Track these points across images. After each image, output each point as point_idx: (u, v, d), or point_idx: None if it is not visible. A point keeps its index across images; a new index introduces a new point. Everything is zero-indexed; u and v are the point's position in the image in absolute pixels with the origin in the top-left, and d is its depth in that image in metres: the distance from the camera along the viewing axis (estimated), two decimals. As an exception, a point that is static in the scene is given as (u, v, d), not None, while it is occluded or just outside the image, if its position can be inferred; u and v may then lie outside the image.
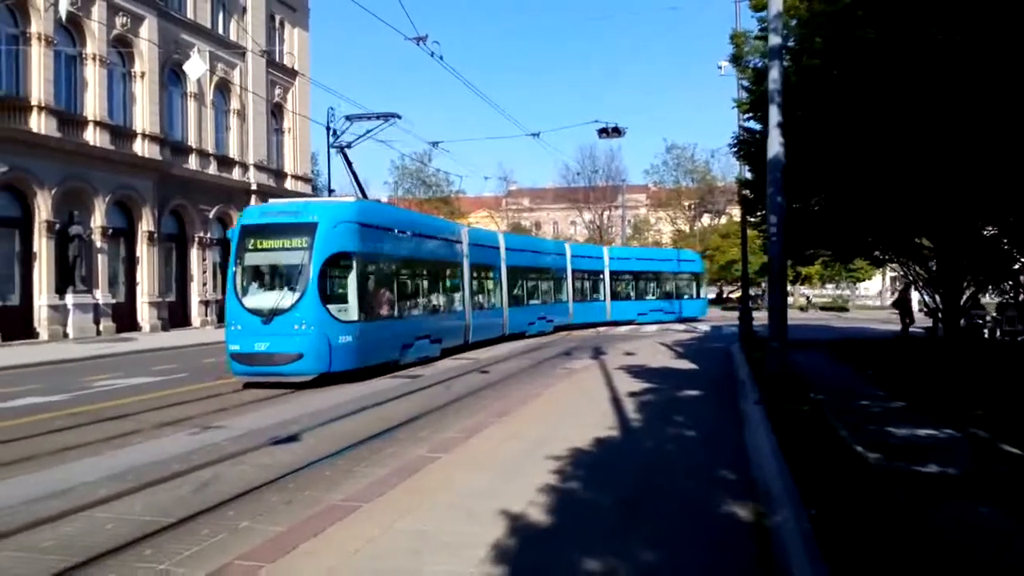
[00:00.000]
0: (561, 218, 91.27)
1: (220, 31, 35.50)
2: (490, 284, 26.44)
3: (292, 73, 40.99)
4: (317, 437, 10.21)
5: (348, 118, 20.65)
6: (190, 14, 33.52)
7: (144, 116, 30.43)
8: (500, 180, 76.13)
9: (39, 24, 25.65)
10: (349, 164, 20.36)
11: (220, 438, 10.18)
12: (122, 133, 29.54)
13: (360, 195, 20.35)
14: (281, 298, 14.96)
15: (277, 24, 40.27)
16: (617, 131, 28.48)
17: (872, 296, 75.72)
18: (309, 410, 12.40)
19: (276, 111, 40.23)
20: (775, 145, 11.31)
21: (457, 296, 22.99)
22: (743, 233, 25.65)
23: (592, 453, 8.40)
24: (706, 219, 74.66)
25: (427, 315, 20.21)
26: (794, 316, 36.05)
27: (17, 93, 25.44)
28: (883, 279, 71.15)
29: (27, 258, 25.81)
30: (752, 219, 24.40)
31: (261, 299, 15.19)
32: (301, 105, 41.00)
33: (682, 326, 37.18)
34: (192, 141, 33.82)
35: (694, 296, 43.46)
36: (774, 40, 11.68)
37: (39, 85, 25.72)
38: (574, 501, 6.60)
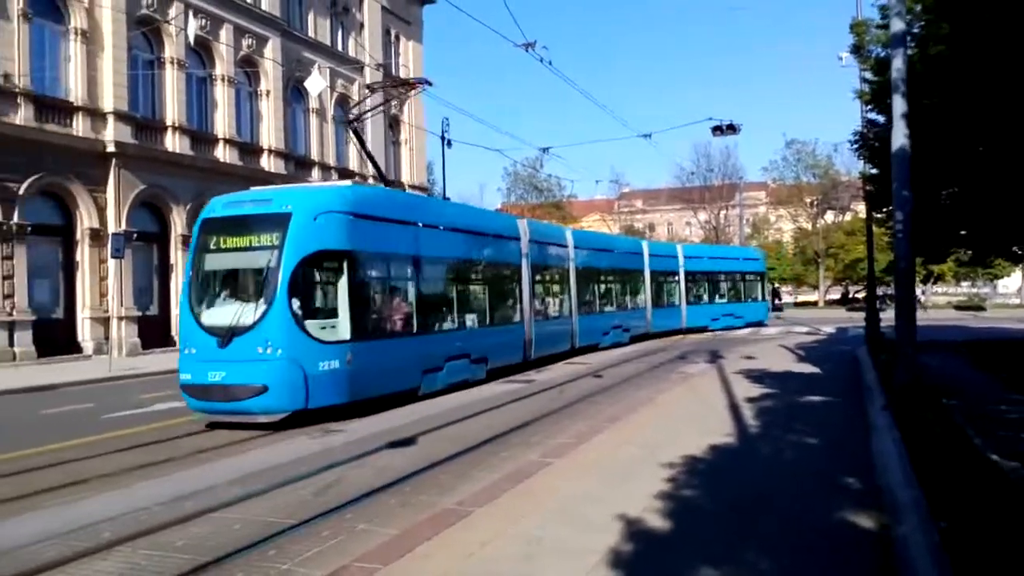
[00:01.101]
0: (675, 219, 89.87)
1: (339, 48, 36.72)
2: (556, 288, 22.91)
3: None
4: (432, 441, 10.37)
5: (369, 87, 18.76)
6: (311, 32, 34.80)
7: (270, 132, 31.81)
8: (612, 183, 75.62)
9: (172, 49, 27.25)
10: (361, 141, 19.35)
11: (339, 442, 10.53)
12: (249, 150, 30.92)
13: (377, 177, 17.69)
14: (241, 313, 11.61)
15: (392, 38, 41.30)
16: (732, 128, 27.74)
17: (1012, 294, 71.26)
18: (423, 415, 12.60)
19: (393, 123, 41.25)
20: (900, 137, 10.79)
21: (512, 303, 19.44)
22: (868, 230, 24.58)
23: (708, 460, 8.22)
24: (829, 216, 71.92)
25: (465, 329, 16.65)
26: (925, 317, 34.42)
27: (154, 115, 27.08)
28: (1024, 276, 66.89)
29: (164, 271, 27.37)
30: (878, 215, 23.39)
31: (220, 314, 11.94)
32: (416, 116, 41.91)
33: (804, 328, 35.91)
34: (315, 155, 35.07)
35: (759, 298, 41.12)
36: (897, 26, 11.16)
37: (173, 106, 27.34)
38: (689, 508, 6.48)
